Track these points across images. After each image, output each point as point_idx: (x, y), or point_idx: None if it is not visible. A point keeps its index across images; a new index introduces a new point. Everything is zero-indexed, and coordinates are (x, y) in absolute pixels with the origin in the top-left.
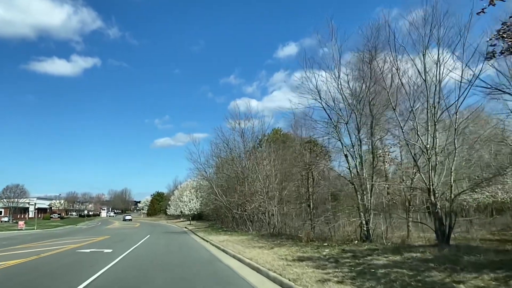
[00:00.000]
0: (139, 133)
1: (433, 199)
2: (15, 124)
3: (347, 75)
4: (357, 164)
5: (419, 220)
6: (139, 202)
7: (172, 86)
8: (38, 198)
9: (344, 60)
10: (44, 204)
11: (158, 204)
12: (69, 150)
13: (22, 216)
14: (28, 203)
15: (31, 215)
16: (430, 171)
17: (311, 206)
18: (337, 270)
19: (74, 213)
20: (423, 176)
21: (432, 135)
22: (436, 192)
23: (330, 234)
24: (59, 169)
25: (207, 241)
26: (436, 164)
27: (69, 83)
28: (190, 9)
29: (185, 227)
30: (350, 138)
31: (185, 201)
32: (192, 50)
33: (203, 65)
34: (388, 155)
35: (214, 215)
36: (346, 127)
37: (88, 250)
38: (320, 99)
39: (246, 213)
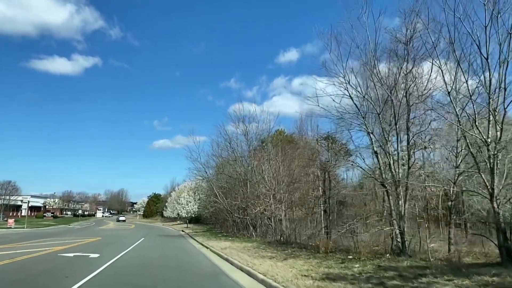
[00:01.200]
0: (138, 134)
1: (495, 206)
2: (14, 122)
3: (377, 59)
4: (391, 162)
5: (478, 233)
6: (135, 203)
7: (172, 88)
8: (32, 196)
9: (373, 42)
10: (38, 202)
11: (155, 206)
12: (67, 149)
13: (15, 214)
14: (21, 200)
15: (24, 213)
16: (494, 171)
17: (328, 212)
18: None
19: (68, 213)
20: (483, 177)
21: (500, 126)
22: (498, 197)
23: (354, 244)
24: (56, 168)
25: (207, 248)
26: (497, 163)
27: (70, 82)
28: (191, 11)
29: (182, 230)
30: (383, 132)
31: (182, 203)
32: (193, 52)
33: (204, 67)
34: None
35: (213, 219)
36: (379, 118)
37: (72, 255)
38: (348, 84)
39: (248, 217)
